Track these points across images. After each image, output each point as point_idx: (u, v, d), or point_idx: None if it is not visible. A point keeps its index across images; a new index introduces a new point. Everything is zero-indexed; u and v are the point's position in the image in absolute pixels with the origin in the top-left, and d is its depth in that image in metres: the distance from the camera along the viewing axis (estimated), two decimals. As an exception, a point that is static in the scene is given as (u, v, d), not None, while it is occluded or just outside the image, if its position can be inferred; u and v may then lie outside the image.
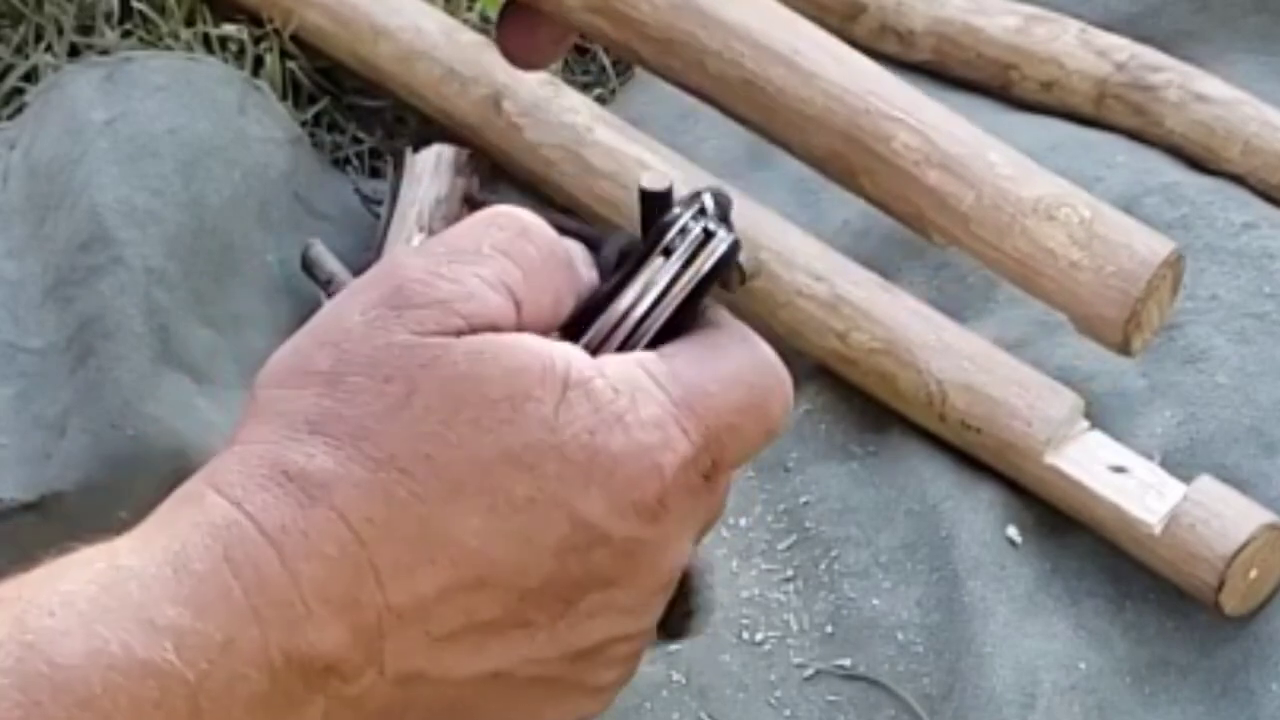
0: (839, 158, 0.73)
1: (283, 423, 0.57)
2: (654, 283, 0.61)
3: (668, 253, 0.60)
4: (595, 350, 0.60)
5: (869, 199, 0.74)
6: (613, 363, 0.60)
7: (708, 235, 0.60)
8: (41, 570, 0.55)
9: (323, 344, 0.58)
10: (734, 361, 0.63)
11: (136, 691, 0.54)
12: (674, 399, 0.61)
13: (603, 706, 0.65)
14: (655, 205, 0.60)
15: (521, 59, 0.75)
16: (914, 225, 0.74)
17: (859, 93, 0.73)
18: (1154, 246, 0.72)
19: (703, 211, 0.60)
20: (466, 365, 0.57)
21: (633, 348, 0.60)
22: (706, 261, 0.60)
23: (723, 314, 0.64)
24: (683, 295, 0.60)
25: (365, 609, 0.57)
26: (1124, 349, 0.72)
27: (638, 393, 0.60)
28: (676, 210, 0.60)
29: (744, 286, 0.62)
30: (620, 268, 0.60)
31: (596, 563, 0.60)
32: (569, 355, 0.59)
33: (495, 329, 0.58)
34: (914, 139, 0.74)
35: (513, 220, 0.61)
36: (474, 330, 0.58)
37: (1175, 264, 0.74)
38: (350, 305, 0.58)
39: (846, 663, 0.85)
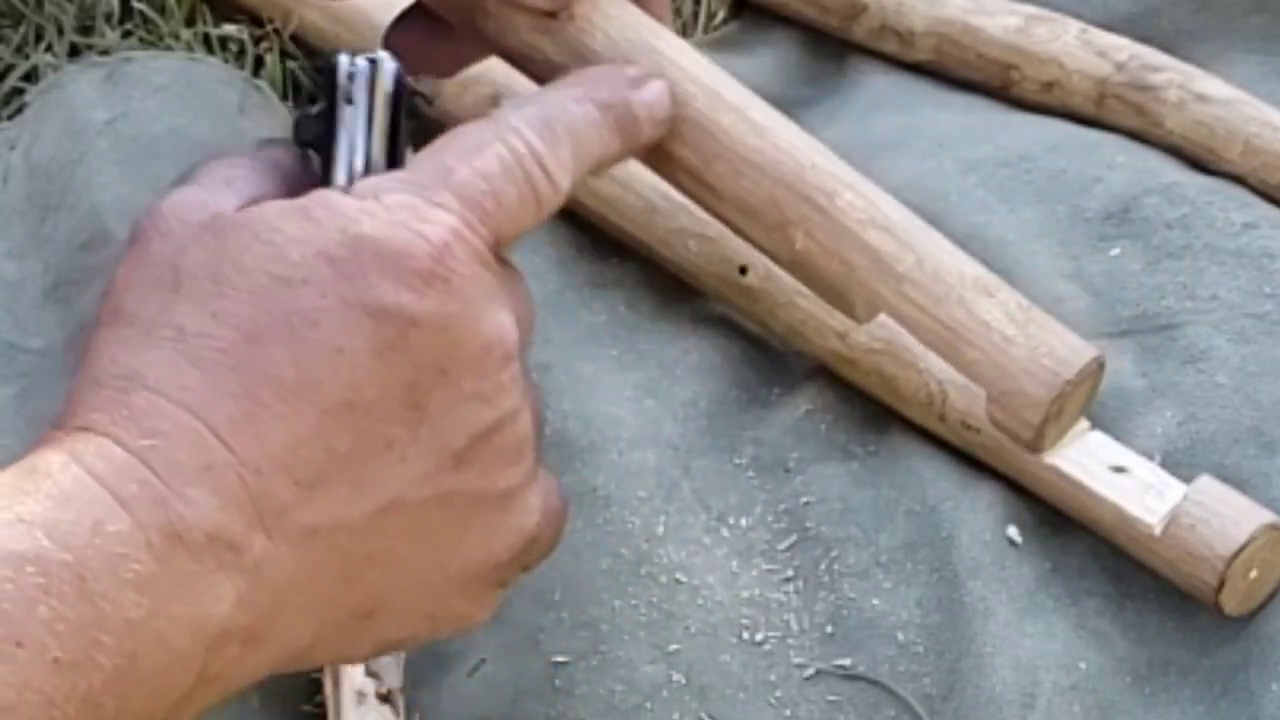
0: (774, 206, 0.73)
1: (87, 358, 0.60)
2: (354, 130, 0.66)
3: (350, 100, 0.65)
4: None
5: (791, 257, 0.74)
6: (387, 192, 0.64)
7: (372, 64, 0.65)
8: None
9: (108, 293, 0.63)
10: (471, 137, 0.66)
11: (20, 580, 0.55)
12: (416, 182, 0.63)
13: (526, 541, 0.65)
14: (328, 77, 0.65)
15: (415, 64, 0.76)
16: (837, 286, 0.74)
17: (808, 151, 0.74)
18: (1085, 345, 0.73)
19: (355, 54, 0.65)
20: (213, 228, 0.61)
21: None
22: (386, 83, 0.66)
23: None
24: (385, 125, 0.65)
25: (220, 470, 0.58)
26: (1037, 439, 0.72)
27: (378, 191, 0.63)
28: (337, 58, 0.65)
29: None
30: (322, 138, 0.66)
31: (416, 350, 0.60)
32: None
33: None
34: (859, 200, 0.75)
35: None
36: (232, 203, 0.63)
37: (1097, 373, 0.74)
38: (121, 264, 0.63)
39: (846, 663, 0.85)
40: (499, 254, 0.64)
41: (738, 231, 0.75)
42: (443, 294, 0.60)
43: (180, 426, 0.58)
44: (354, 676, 0.82)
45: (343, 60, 0.66)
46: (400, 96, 0.67)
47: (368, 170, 0.66)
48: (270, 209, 0.61)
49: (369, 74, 0.66)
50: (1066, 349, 0.73)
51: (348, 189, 0.63)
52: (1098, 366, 0.73)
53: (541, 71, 0.73)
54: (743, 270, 0.97)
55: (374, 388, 0.59)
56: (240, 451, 0.58)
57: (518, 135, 0.66)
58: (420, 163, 0.65)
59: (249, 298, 0.59)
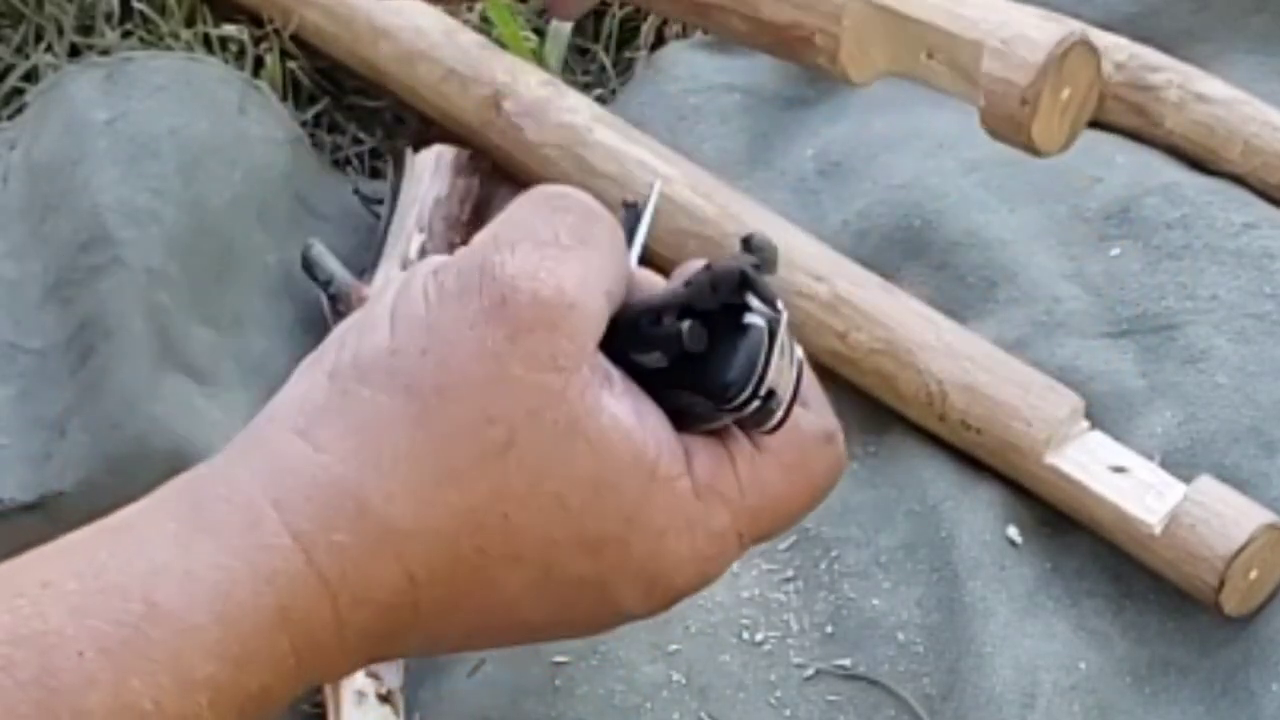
0: None
1: (369, 441, 0.54)
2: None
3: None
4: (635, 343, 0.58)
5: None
6: (702, 454, 0.59)
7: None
8: (63, 567, 0.52)
9: (425, 351, 0.55)
10: (817, 470, 0.63)
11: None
12: (748, 508, 0.60)
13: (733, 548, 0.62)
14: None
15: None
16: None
17: None
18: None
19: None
20: (565, 428, 0.55)
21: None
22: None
23: (817, 394, 0.63)
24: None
25: (394, 645, 0.57)
26: (1032, 92, 0.67)
27: (715, 498, 0.59)
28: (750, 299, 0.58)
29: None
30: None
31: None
32: (660, 442, 0.58)
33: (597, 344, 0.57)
34: None
35: (575, 202, 0.59)
36: (581, 355, 0.56)
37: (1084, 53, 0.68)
38: (452, 312, 0.55)
39: (846, 663, 0.85)
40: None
41: None
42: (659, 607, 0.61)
43: (395, 601, 0.55)
44: (354, 677, 0.82)
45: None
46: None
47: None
48: (625, 455, 0.56)
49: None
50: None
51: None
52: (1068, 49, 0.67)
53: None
54: (743, 270, 0.97)
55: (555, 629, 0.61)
56: (424, 626, 0.57)
57: (834, 473, 0.63)
58: (771, 475, 0.61)
59: (541, 528, 0.56)
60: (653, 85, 1.15)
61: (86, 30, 1.20)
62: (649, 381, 0.58)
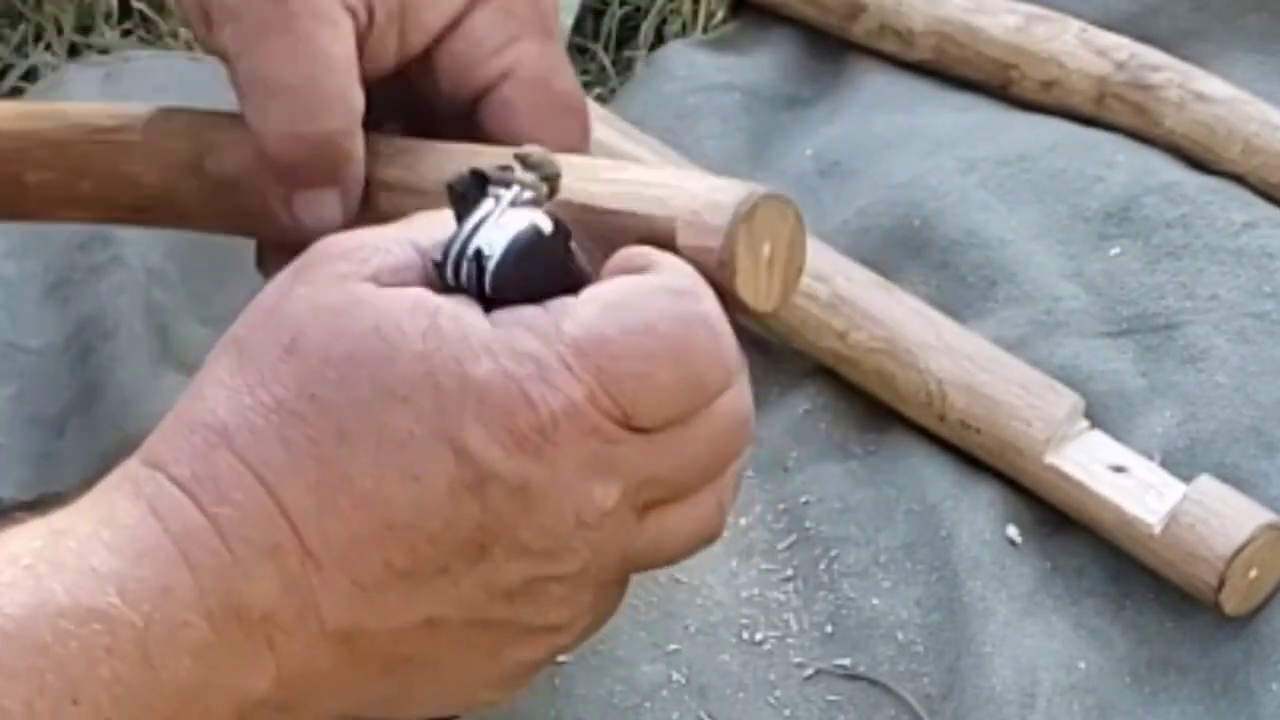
0: None
1: (195, 388, 0.61)
2: (505, 216, 0.63)
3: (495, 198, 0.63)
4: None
5: None
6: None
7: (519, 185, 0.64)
8: None
9: (241, 318, 0.63)
10: (649, 311, 0.63)
11: (87, 637, 0.55)
12: (561, 336, 0.61)
13: (571, 640, 0.65)
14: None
15: None
16: None
17: None
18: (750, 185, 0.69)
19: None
20: (343, 304, 0.60)
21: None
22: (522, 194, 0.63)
23: (657, 258, 0.64)
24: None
25: (287, 555, 0.58)
26: (726, 252, 0.67)
27: (516, 327, 0.61)
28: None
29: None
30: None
31: (492, 502, 0.60)
32: (444, 299, 0.61)
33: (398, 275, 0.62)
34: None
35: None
36: (374, 277, 0.61)
37: (777, 213, 0.69)
38: (270, 283, 0.63)
39: (846, 663, 0.85)
40: (631, 423, 0.62)
41: None
42: (531, 460, 0.60)
43: (255, 500, 0.59)
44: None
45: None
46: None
47: (520, 264, 0.63)
48: (403, 302, 0.60)
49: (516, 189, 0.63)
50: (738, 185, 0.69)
51: (492, 304, 0.62)
52: (774, 204, 0.68)
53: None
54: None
55: (440, 520, 0.60)
56: (306, 540, 0.59)
57: (693, 323, 0.63)
58: (586, 312, 0.62)
59: (349, 395, 0.59)
60: (652, 85, 1.15)
61: (86, 29, 1.20)
62: None
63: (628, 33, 1.23)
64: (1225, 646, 0.85)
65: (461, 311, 0.60)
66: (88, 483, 0.91)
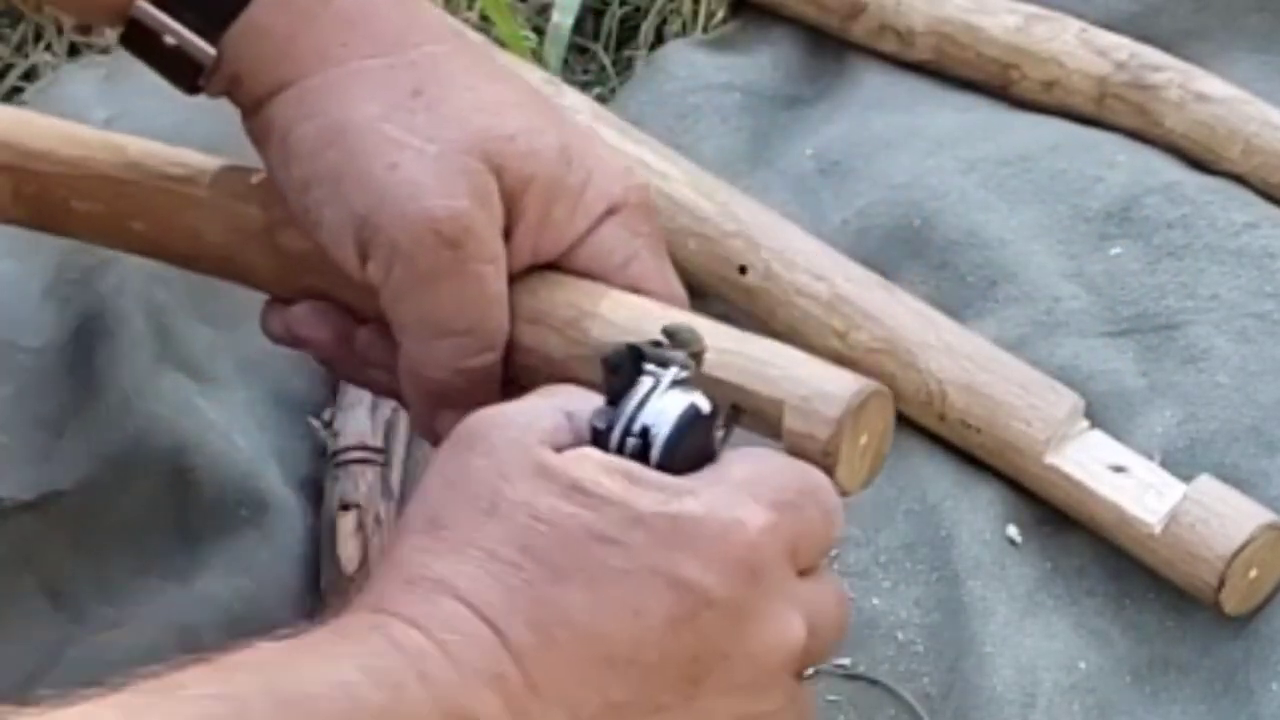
0: None
1: (392, 560, 0.64)
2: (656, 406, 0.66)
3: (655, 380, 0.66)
4: None
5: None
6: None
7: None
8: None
9: (418, 498, 0.66)
10: (775, 460, 0.68)
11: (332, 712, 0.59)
12: (734, 480, 0.65)
13: None
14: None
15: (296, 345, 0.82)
16: None
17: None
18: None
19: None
20: (534, 466, 0.64)
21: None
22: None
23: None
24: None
25: (510, 681, 0.62)
26: (833, 443, 0.69)
27: (696, 481, 0.65)
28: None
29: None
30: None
31: (707, 630, 0.63)
32: None
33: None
34: None
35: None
36: (546, 442, 0.65)
37: (881, 408, 0.71)
38: (435, 462, 0.66)
39: (846, 662, 0.85)
40: (802, 571, 0.66)
41: None
42: (746, 582, 0.63)
43: (480, 634, 0.61)
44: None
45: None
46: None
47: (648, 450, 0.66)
48: (597, 466, 0.63)
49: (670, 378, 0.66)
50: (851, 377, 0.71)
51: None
52: (878, 399, 0.71)
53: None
54: (742, 270, 0.97)
55: (658, 653, 0.62)
56: (528, 673, 0.61)
57: (806, 469, 0.67)
58: (734, 464, 0.66)
59: (561, 543, 0.62)
60: (652, 84, 1.15)
61: (86, 29, 1.20)
62: None
63: (628, 33, 1.23)
64: (1225, 646, 0.85)
65: (647, 472, 0.64)
66: (88, 483, 0.92)
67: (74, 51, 1.19)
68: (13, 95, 1.16)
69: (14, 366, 0.96)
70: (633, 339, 0.67)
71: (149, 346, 0.95)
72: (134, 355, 0.94)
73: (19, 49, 1.20)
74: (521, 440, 0.64)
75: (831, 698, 0.84)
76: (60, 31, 1.20)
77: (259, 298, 0.84)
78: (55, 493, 0.91)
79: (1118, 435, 0.90)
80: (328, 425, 0.97)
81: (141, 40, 0.78)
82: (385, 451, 0.95)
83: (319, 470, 0.95)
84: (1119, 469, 0.88)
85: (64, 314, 0.97)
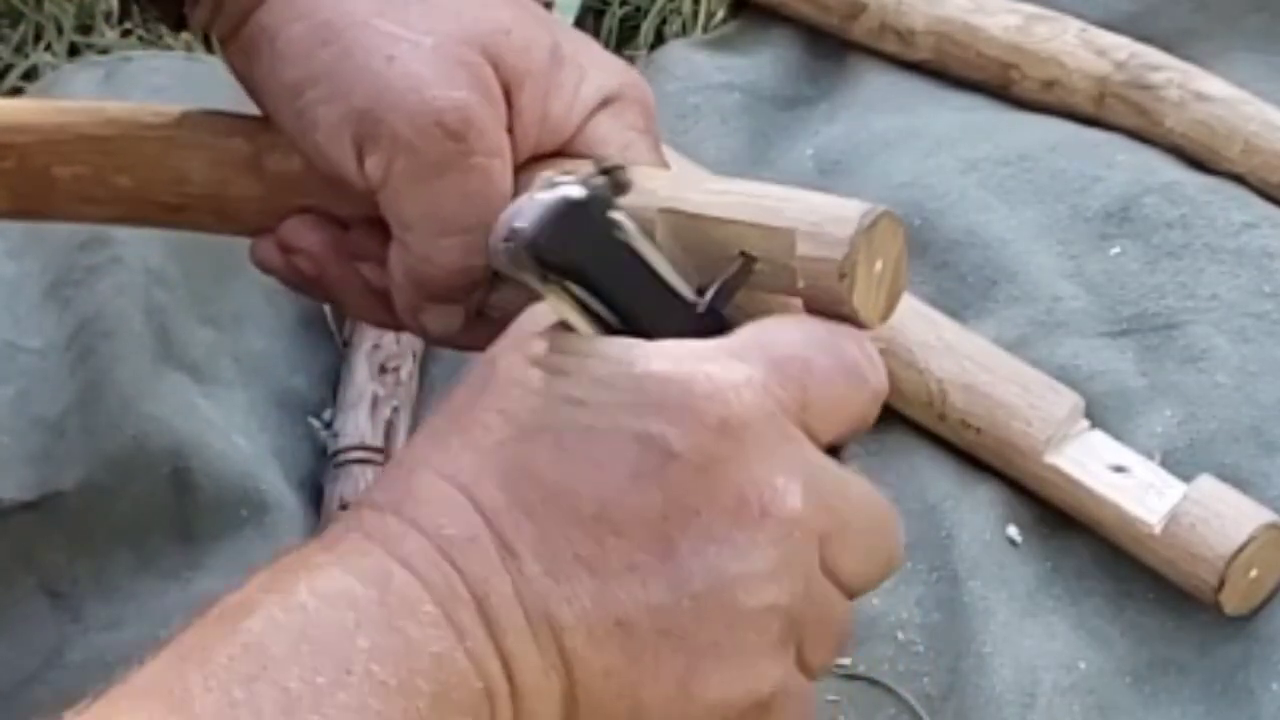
0: None
1: (410, 444, 0.67)
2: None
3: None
4: None
5: None
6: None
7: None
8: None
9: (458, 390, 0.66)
10: (784, 321, 0.67)
11: (337, 615, 0.60)
12: (725, 344, 0.65)
13: (766, 687, 0.65)
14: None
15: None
16: None
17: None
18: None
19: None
20: (517, 343, 0.66)
21: None
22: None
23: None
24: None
25: (483, 544, 0.63)
26: (847, 263, 0.68)
27: (680, 346, 0.64)
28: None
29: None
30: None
31: (672, 484, 0.62)
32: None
33: None
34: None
35: None
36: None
37: (890, 231, 0.70)
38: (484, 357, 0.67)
39: (846, 662, 0.85)
40: (820, 439, 0.65)
41: None
42: (716, 437, 0.62)
43: (450, 499, 0.62)
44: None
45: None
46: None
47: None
48: (573, 338, 0.64)
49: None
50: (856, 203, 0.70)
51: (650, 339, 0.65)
52: (887, 220, 0.70)
53: None
54: (742, 269, 0.97)
55: (624, 510, 0.62)
56: (501, 533, 0.62)
57: (840, 330, 0.67)
58: (730, 337, 0.66)
59: (531, 404, 0.63)
60: (653, 84, 1.14)
61: (86, 29, 1.20)
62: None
63: (628, 33, 1.23)
64: (1225, 646, 0.85)
65: (619, 338, 0.64)
66: (88, 483, 0.92)
67: (74, 51, 1.19)
68: (13, 95, 1.16)
69: (14, 367, 0.96)
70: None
71: (149, 347, 0.95)
72: (134, 356, 0.94)
73: (19, 49, 1.20)
74: (519, 326, 0.66)
75: (831, 698, 0.84)
76: (60, 32, 1.20)
77: (259, 298, 0.84)
78: (55, 493, 0.91)
79: (1118, 435, 0.90)
80: (328, 425, 0.97)
81: None
82: (385, 452, 0.95)
83: (319, 470, 0.95)
84: (1119, 469, 0.88)
85: (64, 314, 0.97)
